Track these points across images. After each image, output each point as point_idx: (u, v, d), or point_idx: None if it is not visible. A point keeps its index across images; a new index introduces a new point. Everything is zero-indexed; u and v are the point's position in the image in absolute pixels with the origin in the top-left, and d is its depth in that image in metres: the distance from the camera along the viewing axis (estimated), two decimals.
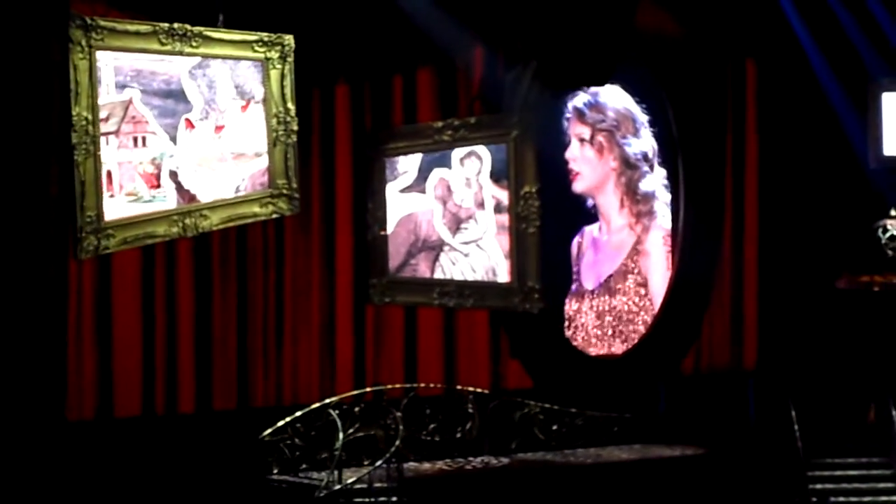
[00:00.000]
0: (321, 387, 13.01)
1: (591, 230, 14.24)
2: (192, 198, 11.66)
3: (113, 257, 11.90)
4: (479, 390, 13.34)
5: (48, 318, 11.63)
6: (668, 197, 14.25)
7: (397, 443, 12.47)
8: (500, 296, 13.05)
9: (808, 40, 14.28)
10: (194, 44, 11.61)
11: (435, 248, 13.17)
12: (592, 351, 14.14)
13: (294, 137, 12.09)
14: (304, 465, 12.45)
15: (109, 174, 11.28)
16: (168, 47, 11.48)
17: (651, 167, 14.24)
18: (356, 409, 12.65)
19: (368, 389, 12.90)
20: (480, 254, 13.06)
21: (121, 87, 11.32)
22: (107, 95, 11.25)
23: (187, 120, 11.66)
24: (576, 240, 14.23)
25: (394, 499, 11.92)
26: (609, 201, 14.19)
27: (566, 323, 14.13)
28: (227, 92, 11.81)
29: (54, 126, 11.34)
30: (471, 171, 13.01)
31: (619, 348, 14.17)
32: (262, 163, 11.96)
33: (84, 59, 11.12)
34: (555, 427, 13.66)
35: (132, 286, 12.33)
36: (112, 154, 11.28)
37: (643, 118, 14.23)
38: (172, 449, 12.18)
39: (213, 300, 12.67)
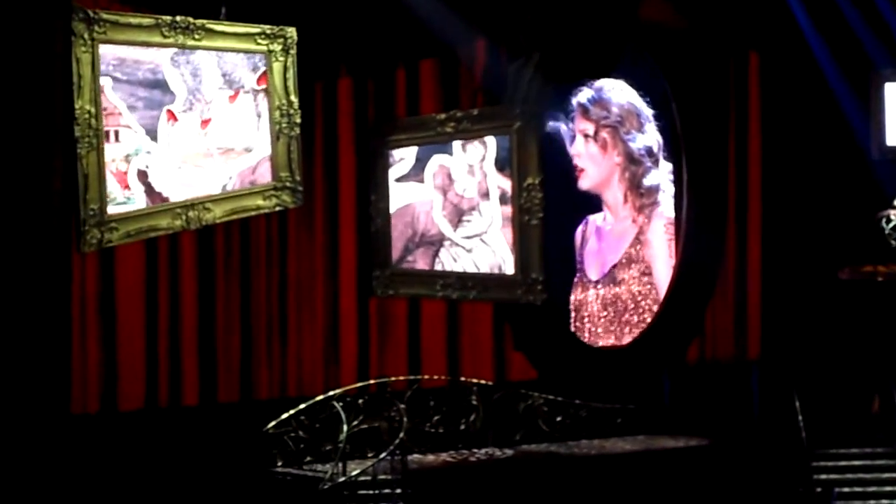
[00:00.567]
0: (325, 379, 13.04)
1: (594, 219, 14.18)
2: (165, 201, 11.41)
3: (116, 250, 11.92)
4: (482, 382, 13.34)
5: (52, 312, 11.61)
6: (672, 189, 14.22)
7: (401, 435, 12.46)
8: (504, 287, 13.04)
9: (810, 31, 14.25)
10: (197, 36, 11.57)
11: (434, 244, 13.13)
12: (597, 341, 14.12)
13: (297, 130, 12.08)
14: (308, 458, 12.42)
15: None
16: (170, 40, 11.42)
17: (656, 162, 14.17)
18: (360, 401, 12.64)
19: (372, 381, 12.90)
20: (485, 249, 13.02)
21: (104, 75, 11.17)
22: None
23: (170, 111, 11.44)
24: (580, 228, 14.18)
25: (398, 491, 11.93)
26: (613, 196, 14.15)
27: (571, 314, 14.12)
28: (214, 81, 11.60)
29: (57, 119, 11.33)
30: (474, 158, 12.94)
31: (623, 338, 14.14)
32: (252, 159, 11.82)
33: (87, 52, 11.12)
34: (559, 418, 13.65)
35: (136, 279, 12.35)
36: None
37: (648, 112, 14.13)
38: (176, 442, 12.20)
39: (216, 293, 12.68)
